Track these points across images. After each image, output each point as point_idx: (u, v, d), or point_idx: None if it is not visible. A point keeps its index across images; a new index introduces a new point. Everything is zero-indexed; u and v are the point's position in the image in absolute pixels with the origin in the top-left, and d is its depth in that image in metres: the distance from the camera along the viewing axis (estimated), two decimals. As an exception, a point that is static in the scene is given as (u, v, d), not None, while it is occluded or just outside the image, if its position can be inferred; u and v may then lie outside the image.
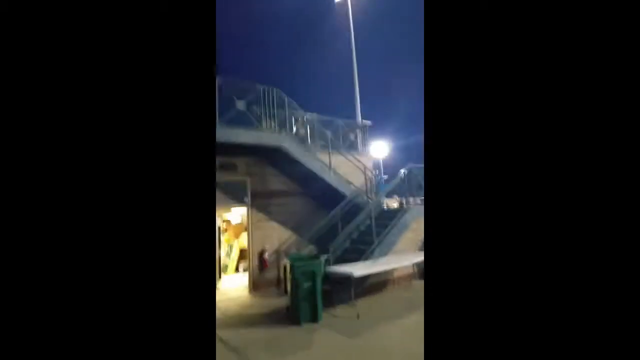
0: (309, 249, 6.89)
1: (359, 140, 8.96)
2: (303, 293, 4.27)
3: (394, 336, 3.72)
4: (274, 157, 6.33)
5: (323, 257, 4.96)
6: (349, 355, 3.33)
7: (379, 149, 16.26)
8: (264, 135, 5.74)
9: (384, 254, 5.82)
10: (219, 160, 6.00)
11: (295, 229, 7.02)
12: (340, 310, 4.68)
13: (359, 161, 7.34)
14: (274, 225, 6.80)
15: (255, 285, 6.37)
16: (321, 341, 3.71)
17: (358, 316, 4.38)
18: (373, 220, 6.12)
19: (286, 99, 6.31)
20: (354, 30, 15.21)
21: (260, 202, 6.61)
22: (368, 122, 9.31)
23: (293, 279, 4.35)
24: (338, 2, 16.94)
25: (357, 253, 5.98)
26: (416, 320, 4.08)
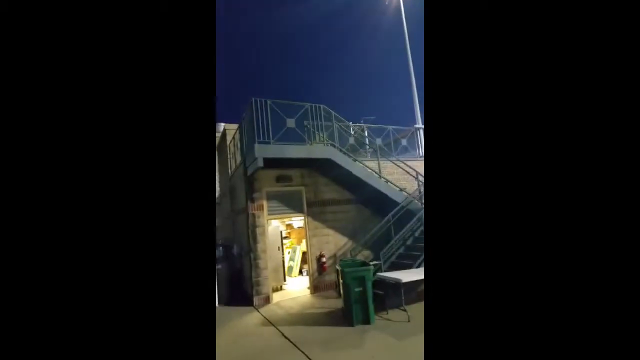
0: (364, 255, 7.15)
1: (416, 145, 8.91)
2: (354, 297, 4.58)
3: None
4: (325, 167, 6.76)
5: (373, 263, 5.20)
6: (396, 355, 3.55)
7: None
8: (313, 149, 6.22)
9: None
10: (275, 172, 6.66)
11: (351, 235, 7.34)
12: (393, 314, 4.86)
13: (409, 167, 7.35)
14: (330, 231, 7.22)
15: (315, 288, 6.85)
16: (372, 341, 3.98)
17: (409, 319, 4.53)
18: (419, 227, 6.14)
19: (333, 113, 6.72)
20: (407, 28, 14.88)
21: (315, 210, 7.10)
22: (421, 126, 9.20)
23: (344, 284, 4.69)
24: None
25: (411, 259, 6.07)
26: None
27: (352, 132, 7.78)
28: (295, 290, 7.28)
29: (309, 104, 6.38)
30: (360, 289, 4.61)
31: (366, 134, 8.65)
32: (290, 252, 9.38)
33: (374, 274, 5.19)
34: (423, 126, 9.18)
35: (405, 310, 4.72)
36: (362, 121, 10.28)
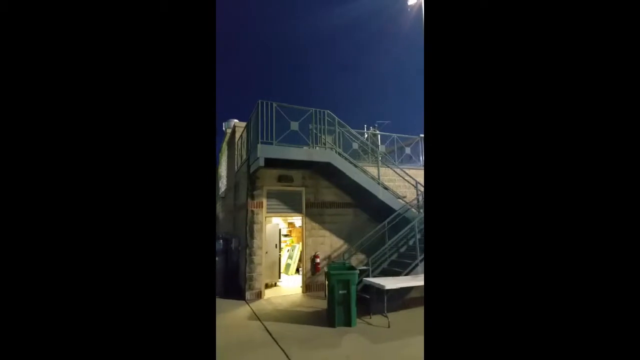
0: (359, 259, 7.30)
1: (419, 153, 8.98)
2: (338, 299, 4.74)
3: (414, 346, 3.93)
4: (326, 171, 6.94)
5: (361, 268, 5.35)
6: (369, 357, 3.70)
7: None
8: (314, 152, 6.41)
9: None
10: (277, 172, 6.88)
11: (347, 238, 7.50)
12: (375, 319, 5.00)
13: (410, 176, 7.44)
14: (327, 233, 7.40)
15: (307, 287, 7.05)
16: (349, 343, 4.13)
17: (389, 325, 4.66)
18: (417, 235, 6.23)
19: (336, 119, 6.89)
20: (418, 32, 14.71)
21: (314, 211, 7.28)
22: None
23: (329, 286, 4.86)
24: (411, 5, 16.56)
25: (401, 267, 6.18)
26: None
27: (366, 136, 7.90)
28: (289, 287, 7.49)
29: (313, 109, 6.57)
30: (345, 292, 4.77)
31: (378, 138, 8.78)
32: (289, 250, 9.61)
33: (361, 278, 5.34)
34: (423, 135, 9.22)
35: (386, 317, 4.85)
36: (376, 124, 10.40)
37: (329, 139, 6.79)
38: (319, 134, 6.65)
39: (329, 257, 7.32)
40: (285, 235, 10.31)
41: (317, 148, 6.58)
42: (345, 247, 7.46)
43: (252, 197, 6.65)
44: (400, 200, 7.22)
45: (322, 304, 5.85)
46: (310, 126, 6.63)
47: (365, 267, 5.96)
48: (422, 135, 9.25)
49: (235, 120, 10.24)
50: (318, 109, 6.60)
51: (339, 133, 7.08)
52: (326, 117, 6.73)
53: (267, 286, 7.01)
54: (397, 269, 6.14)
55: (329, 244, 7.40)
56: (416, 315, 5.21)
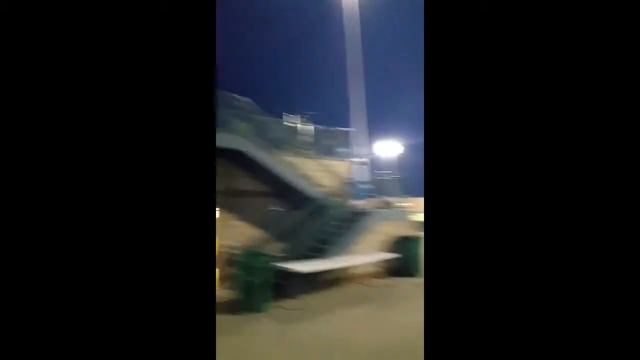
0: (279, 247, 7.27)
1: (339, 145, 9.34)
2: (245, 286, 4.66)
3: (323, 324, 4.08)
4: (241, 160, 6.72)
5: (273, 255, 5.34)
6: (274, 340, 3.71)
7: (382, 150, 15.90)
8: (225, 138, 6.12)
9: (339, 253, 6.18)
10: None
11: (264, 227, 7.40)
12: (289, 303, 5.04)
13: (331, 166, 7.70)
14: (242, 223, 7.18)
15: (221, 279, 6.74)
16: (253, 328, 4.10)
17: (301, 308, 4.75)
18: (330, 222, 6.50)
19: (256, 107, 6.73)
20: (355, 27, 14.96)
21: (228, 201, 6.99)
22: (348, 129, 9.71)
23: (236, 273, 4.75)
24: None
25: (319, 252, 6.36)
26: (354, 313, 4.44)
27: (289, 125, 7.87)
28: (202, 282, 7.07)
29: (228, 93, 6.28)
30: (252, 278, 4.69)
31: (300, 128, 8.81)
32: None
33: (274, 264, 5.32)
34: (351, 129, 9.69)
35: (299, 299, 4.94)
36: (308, 115, 10.46)
37: (243, 126, 6.58)
38: (233, 120, 6.40)
39: (245, 247, 7.12)
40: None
41: (231, 135, 6.31)
42: (263, 236, 7.36)
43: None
44: (321, 190, 7.40)
45: (232, 294, 5.66)
46: (223, 112, 6.33)
47: (282, 255, 5.95)
48: (339, 128, 9.66)
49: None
50: (233, 94, 6.35)
51: (258, 121, 6.92)
52: (242, 104, 6.51)
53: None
54: (314, 254, 6.29)
55: (247, 234, 7.20)
56: (329, 296, 5.44)
